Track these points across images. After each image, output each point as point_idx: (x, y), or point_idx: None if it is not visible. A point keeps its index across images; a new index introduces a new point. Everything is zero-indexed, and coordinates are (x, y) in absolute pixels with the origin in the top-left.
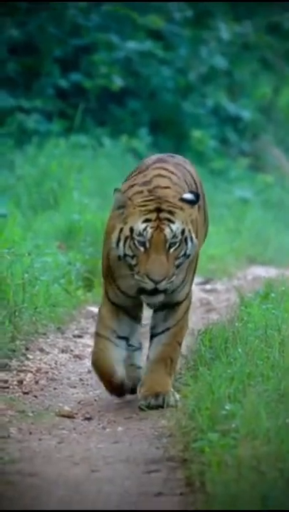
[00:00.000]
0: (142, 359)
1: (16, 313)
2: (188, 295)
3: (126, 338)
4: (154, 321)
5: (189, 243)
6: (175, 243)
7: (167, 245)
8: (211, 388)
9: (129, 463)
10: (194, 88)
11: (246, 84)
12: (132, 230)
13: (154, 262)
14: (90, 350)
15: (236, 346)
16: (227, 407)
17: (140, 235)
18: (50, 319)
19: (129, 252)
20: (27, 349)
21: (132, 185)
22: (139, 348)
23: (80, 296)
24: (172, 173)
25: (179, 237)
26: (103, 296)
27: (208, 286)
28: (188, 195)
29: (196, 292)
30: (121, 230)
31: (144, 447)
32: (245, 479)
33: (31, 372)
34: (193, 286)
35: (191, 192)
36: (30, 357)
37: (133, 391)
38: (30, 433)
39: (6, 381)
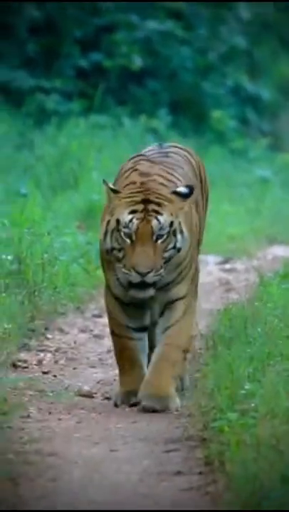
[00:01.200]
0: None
1: (36, 293)
2: (188, 295)
3: (143, 328)
4: (154, 317)
5: (179, 236)
6: (162, 235)
7: (154, 237)
8: (231, 368)
9: (148, 442)
10: (214, 68)
11: (266, 64)
12: (118, 221)
13: (140, 254)
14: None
15: (255, 326)
16: (246, 387)
17: (126, 226)
18: (70, 299)
19: (116, 245)
20: (46, 329)
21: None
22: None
23: (99, 276)
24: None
25: (167, 229)
26: (105, 289)
27: (227, 266)
28: (182, 189)
29: (216, 272)
30: (108, 222)
31: (163, 427)
32: (264, 458)
33: (50, 352)
34: (213, 266)
35: (186, 186)
36: (50, 337)
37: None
38: (50, 413)
39: (25, 361)
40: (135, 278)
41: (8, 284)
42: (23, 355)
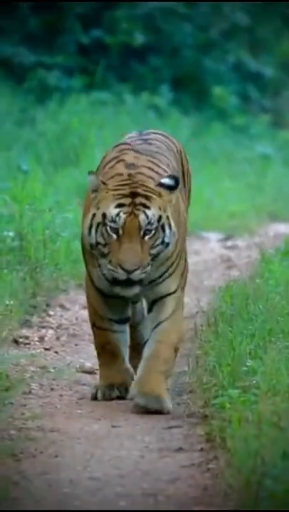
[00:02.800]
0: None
1: (37, 270)
2: (178, 289)
3: (124, 319)
4: (149, 308)
5: (167, 230)
6: (150, 230)
7: (142, 232)
8: (232, 345)
9: (150, 419)
10: (216, 45)
11: (268, 41)
12: (104, 215)
13: (127, 250)
14: None
15: (257, 303)
16: (248, 364)
17: (113, 221)
18: (71, 275)
19: (101, 240)
20: (48, 305)
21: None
22: (141, 320)
23: None
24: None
25: (155, 224)
26: (86, 281)
27: (229, 243)
28: (166, 180)
29: (217, 249)
30: (93, 215)
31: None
32: (266, 435)
33: (52, 328)
34: (214, 243)
35: (170, 176)
36: (51, 313)
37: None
38: (52, 389)
39: (27, 337)
40: (121, 275)
41: (9, 261)
42: (24, 332)
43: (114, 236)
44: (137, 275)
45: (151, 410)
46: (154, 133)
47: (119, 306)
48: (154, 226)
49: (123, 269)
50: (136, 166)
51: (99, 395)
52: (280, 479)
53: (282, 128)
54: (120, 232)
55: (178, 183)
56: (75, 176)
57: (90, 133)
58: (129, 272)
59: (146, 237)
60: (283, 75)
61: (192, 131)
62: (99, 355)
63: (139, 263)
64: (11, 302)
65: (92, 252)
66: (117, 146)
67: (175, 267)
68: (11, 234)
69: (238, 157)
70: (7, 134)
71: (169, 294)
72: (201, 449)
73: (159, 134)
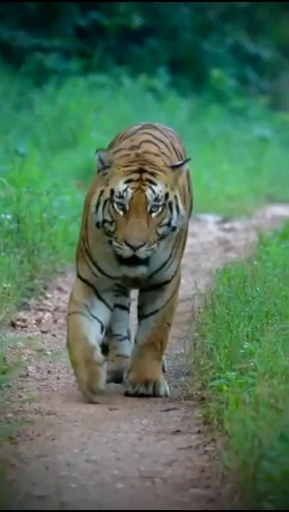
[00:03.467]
0: (130, 348)
1: (35, 253)
2: (177, 273)
3: (100, 322)
4: (142, 300)
5: (174, 212)
6: (157, 207)
7: (148, 208)
8: (229, 327)
9: (147, 401)
10: (214, 27)
11: (266, 24)
12: (112, 192)
13: (133, 225)
14: None
15: (254, 285)
16: (245, 346)
17: (120, 196)
18: (69, 258)
19: (108, 217)
20: (45, 288)
21: (119, 150)
22: (127, 337)
23: None
24: (160, 140)
25: (162, 200)
26: (75, 277)
27: (226, 225)
28: (176, 164)
29: (215, 231)
30: (101, 192)
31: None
32: (263, 417)
33: (50, 311)
34: (212, 225)
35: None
36: (49, 296)
37: (119, 380)
38: (49, 372)
39: (24, 320)
40: (127, 252)
41: (7, 244)
42: (22, 315)
43: (121, 213)
44: (142, 252)
45: (141, 396)
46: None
47: (103, 308)
48: (162, 203)
49: (129, 245)
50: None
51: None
52: (277, 461)
53: (280, 110)
54: (127, 207)
55: (184, 162)
56: (72, 158)
57: (87, 116)
58: (134, 249)
59: (154, 214)
60: (281, 57)
61: (190, 113)
62: (68, 343)
63: (145, 239)
64: (8, 285)
65: (86, 251)
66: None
67: (176, 253)
68: (9, 217)
69: (235, 139)
70: (4, 118)
71: (168, 282)
72: (199, 432)
73: (168, 129)
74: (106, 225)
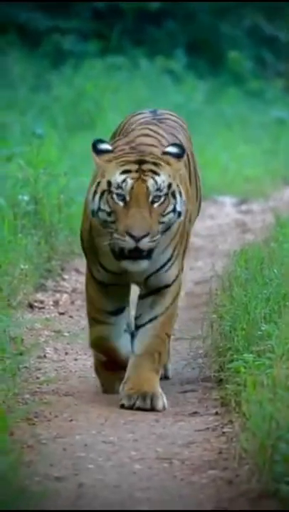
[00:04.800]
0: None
1: (52, 234)
2: (178, 278)
3: (121, 309)
4: (140, 309)
5: (178, 197)
6: (159, 197)
7: (150, 198)
8: (247, 309)
9: (165, 383)
10: (231, 9)
11: (284, 5)
12: (109, 183)
13: (135, 215)
14: None
15: (272, 267)
16: (262, 328)
17: (119, 187)
18: None
19: (105, 207)
20: (63, 269)
21: (115, 144)
22: (126, 331)
23: None
24: (159, 134)
25: (164, 190)
26: (86, 273)
27: (243, 207)
28: (171, 148)
29: (232, 213)
30: (98, 183)
31: (179, 367)
32: (281, 399)
33: (67, 292)
34: (229, 207)
35: (174, 144)
36: (66, 277)
37: None
38: (66, 353)
39: (42, 301)
40: (129, 244)
41: (24, 225)
42: (39, 296)
43: (121, 203)
44: (145, 243)
45: (137, 409)
46: (167, 113)
47: (118, 298)
48: (164, 193)
49: (131, 235)
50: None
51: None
52: None
53: None
54: (127, 198)
55: (184, 150)
56: (89, 140)
57: (104, 97)
58: (137, 240)
59: (156, 205)
60: None
61: (207, 95)
62: (92, 348)
63: (148, 229)
64: (26, 266)
65: (91, 243)
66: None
67: (178, 254)
68: (26, 198)
69: (252, 121)
70: (22, 99)
71: (169, 286)
72: (216, 413)
73: (171, 114)
74: (101, 214)
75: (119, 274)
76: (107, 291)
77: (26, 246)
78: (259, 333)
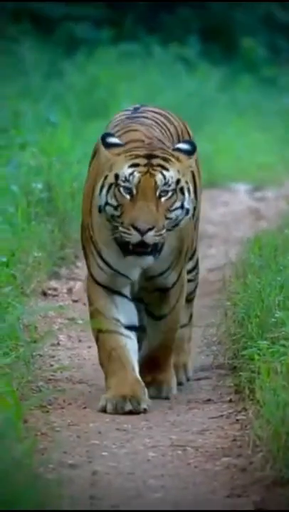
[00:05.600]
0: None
1: (66, 222)
2: (180, 279)
3: (132, 327)
4: (148, 299)
5: (186, 194)
6: (167, 192)
7: (157, 193)
8: (261, 296)
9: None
10: None
11: None
12: (116, 176)
13: (141, 208)
14: None
15: (286, 254)
16: (276, 315)
17: (126, 180)
18: None
19: (112, 201)
20: (76, 257)
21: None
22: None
23: None
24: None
25: (172, 186)
26: (88, 276)
27: (257, 195)
28: (182, 145)
29: (246, 200)
30: (106, 177)
31: (193, 355)
32: None
33: (80, 280)
34: (243, 195)
35: (185, 141)
36: (80, 265)
37: None
38: (80, 340)
39: (55, 289)
40: (134, 237)
41: (37, 213)
42: (53, 284)
43: (128, 197)
44: (150, 237)
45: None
46: (152, 111)
47: (125, 304)
48: (172, 188)
49: (136, 228)
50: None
51: (109, 407)
52: None
53: None
54: (134, 191)
55: (195, 147)
56: (103, 128)
57: (118, 85)
58: (142, 233)
59: (163, 199)
60: None
61: (221, 83)
62: (104, 365)
63: (154, 222)
64: (40, 254)
65: (90, 240)
66: (114, 126)
67: (176, 264)
68: (40, 186)
69: (266, 109)
70: (35, 87)
71: (170, 289)
72: (230, 401)
73: (156, 112)
74: (108, 208)
75: (123, 274)
76: (114, 299)
77: (40, 234)
78: (273, 320)
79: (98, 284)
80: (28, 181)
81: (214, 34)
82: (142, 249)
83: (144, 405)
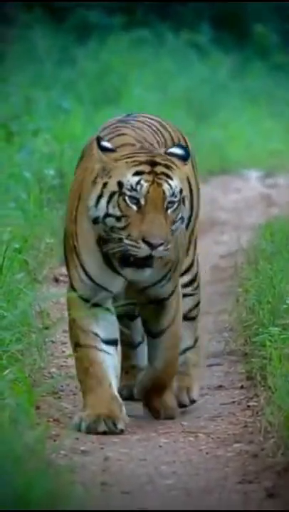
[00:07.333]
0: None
1: None
2: (176, 289)
3: (112, 341)
4: (144, 315)
5: (186, 203)
6: (173, 203)
7: (165, 204)
8: (272, 282)
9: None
10: None
11: None
12: (120, 184)
13: (152, 222)
14: None
15: None
16: (288, 301)
17: (133, 189)
18: None
19: (115, 212)
20: None
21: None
22: (141, 342)
23: None
24: (133, 130)
25: (178, 196)
26: (68, 286)
27: (269, 181)
28: (176, 149)
29: (257, 187)
30: (104, 184)
31: (204, 341)
32: None
33: None
34: (254, 181)
35: (179, 145)
36: None
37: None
38: None
39: (67, 275)
40: (143, 251)
41: (50, 199)
42: (65, 270)
43: (135, 207)
44: (160, 251)
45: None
46: (144, 117)
47: (107, 319)
48: (177, 199)
49: (147, 243)
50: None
51: (83, 427)
52: None
53: None
54: (142, 202)
55: (188, 153)
56: (115, 114)
57: (130, 72)
58: (153, 247)
59: (169, 211)
60: None
61: (232, 69)
62: (81, 381)
63: (165, 236)
64: (52, 240)
65: (74, 250)
66: (104, 128)
67: (171, 275)
68: (52, 172)
69: (278, 96)
70: (48, 74)
71: (166, 299)
72: (242, 387)
73: (149, 117)
74: (109, 220)
75: (105, 288)
76: (95, 313)
77: (52, 220)
78: (284, 306)
79: (79, 296)
80: (40, 168)
81: (226, 21)
82: (146, 262)
83: (120, 426)
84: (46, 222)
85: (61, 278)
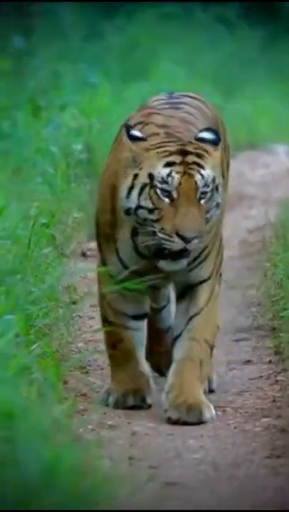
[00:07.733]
0: (171, 315)
1: None
2: (211, 277)
3: (142, 315)
4: (177, 317)
5: (220, 190)
6: (206, 193)
7: (198, 195)
8: None
9: (218, 331)
10: None
11: None
12: (151, 176)
13: (186, 215)
14: None
15: None
16: None
17: (164, 181)
18: None
19: (147, 204)
20: None
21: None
22: (166, 305)
23: None
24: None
25: (211, 186)
26: (99, 263)
27: None
28: (206, 134)
29: (286, 161)
30: (135, 176)
31: (232, 316)
32: None
33: None
34: (282, 156)
35: (208, 129)
36: None
37: (160, 370)
38: None
39: (94, 250)
40: (178, 245)
41: (77, 174)
42: (92, 245)
43: (167, 200)
44: (194, 244)
45: (189, 423)
46: (187, 96)
47: (137, 298)
48: (210, 188)
49: (181, 236)
50: (169, 126)
51: (110, 401)
52: None
53: None
54: (174, 194)
55: (219, 136)
56: (143, 89)
57: (158, 46)
58: (187, 241)
59: (202, 201)
60: None
61: (261, 44)
62: (110, 355)
63: (199, 230)
64: (79, 215)
65: (108, 234)
66: (139, 111)
67: (211, 247)
68: (79, 147)
69: None
70: (75, 49)
71: (202, 282)
72: (270, 362)
73: (193, 97)
74: (141, 212)
75: (139, 274)
76: (124, 293)
77: (79, 195)
78: None
79: (109, 275)
80: (67, 142)
81: None
82: (179, 255)
83: (148, 400)
84: (73, 197)
85: (89, 253)
